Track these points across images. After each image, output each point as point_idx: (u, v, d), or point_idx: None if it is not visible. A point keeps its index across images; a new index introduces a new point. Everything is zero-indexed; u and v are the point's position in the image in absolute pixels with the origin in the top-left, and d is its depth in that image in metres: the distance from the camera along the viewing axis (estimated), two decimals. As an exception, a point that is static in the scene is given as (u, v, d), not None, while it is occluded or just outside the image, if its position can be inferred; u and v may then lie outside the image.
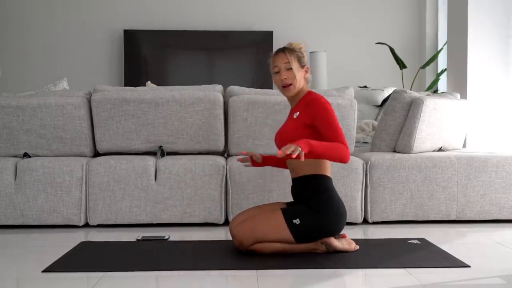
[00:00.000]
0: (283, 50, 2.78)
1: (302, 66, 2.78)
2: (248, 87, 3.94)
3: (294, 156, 2.39)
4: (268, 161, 3.03)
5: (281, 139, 2.78)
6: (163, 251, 2.79)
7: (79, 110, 3.51)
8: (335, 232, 2.70)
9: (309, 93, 2.79)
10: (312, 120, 2.68)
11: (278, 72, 2.77)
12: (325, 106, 2.68)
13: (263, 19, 6.85)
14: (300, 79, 2.75)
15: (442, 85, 6.32)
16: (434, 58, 6.29)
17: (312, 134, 2.68)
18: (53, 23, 6.80)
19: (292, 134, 2.71)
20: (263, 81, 6.72)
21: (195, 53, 6.86)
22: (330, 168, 2.76)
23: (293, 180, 2.79)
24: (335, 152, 2.57)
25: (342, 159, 2.59)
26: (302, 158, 2.43)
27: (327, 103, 2.69)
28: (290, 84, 2.74)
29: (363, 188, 3.48)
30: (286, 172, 3.37)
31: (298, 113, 2.74)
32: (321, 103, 2.68)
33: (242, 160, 3.05)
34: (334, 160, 2.59)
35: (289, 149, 2.40)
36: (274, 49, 6.67)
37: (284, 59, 2.75)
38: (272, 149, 3.58)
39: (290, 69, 2.73)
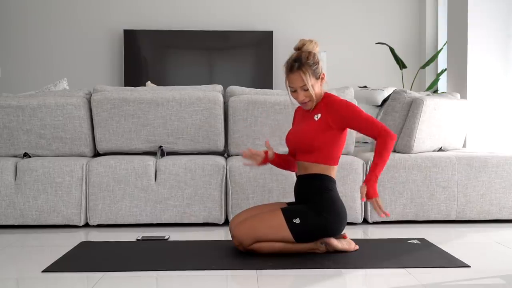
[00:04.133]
0: (298, 68, 2.66)
1: (318, 78, 2.71)
2: (248, 87, 3.94)
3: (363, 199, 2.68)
4: (278, 158, 2.92)
5: (299, 139, 2.75)
6: (163, 251, 2.79)
7: (79, 110, 3.51)
8: (335, 233, 2.70)
9: (327, 95, 2.77)
10: (340, 124, 2.69)
11: (295, 91, 2.72)
12: (347, 105, 2.70)
13: (263, 19, 6.85)
14: (317, 91, 2.72)
15: (442, 85, 6.32)
16: (434, 58, 6.29)
17: (333, 136, 2.71)
18: (53, 23, 6.80)
19: (312, 135, 2.70)
20: (263, 81, 6.72)
21: (195, 53, 6.86)
22: (335, 171, 2.77)
23: (298, 177, 2.80)
24: (386, 156, 2.66)
25: (392, 146, 2.67)
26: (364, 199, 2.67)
27: (348, 102, 2.72)
28: (309, 101, 2.73)
29: (363, 188, 3.47)
30: (286, 172, 3.37)
31: (319, 115, 2.72)
32: (344, 105, 2.70)
33: (246, 155, 2.85)
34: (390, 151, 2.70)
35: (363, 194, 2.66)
36: (274, 49, 6.73)
37: (300, 81, 2.67)
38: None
39: (306, 89, 2.68)
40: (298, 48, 2.74)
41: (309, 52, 2.70)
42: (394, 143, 2.68)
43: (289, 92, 2.76)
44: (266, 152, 2.87)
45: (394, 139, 2.66)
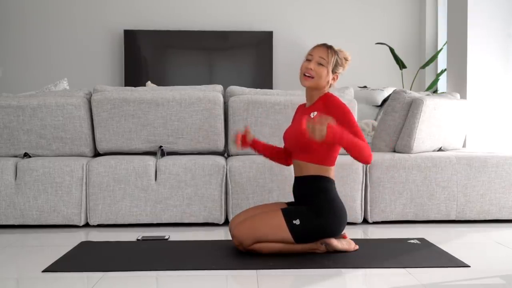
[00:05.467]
0: (328, 47, 2.74)
1: (334, 72, 2.75)
2: (248, 87, 3.94)
3: (307, 135, 2.46)
4: (262, 148, 2.96)
5: (295, 137, 2.75)
6: (163, 251, 2.79)
7: (79, 110, 3.51)
8: (335, 234, 2.70)
9: (327, 95, 2.77)
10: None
11: (308, 61, 2.74)
12: (344, 110, 2.67)
13: (263, 19, 6.85)
14: (324, 79, 2.73)
15: (442, 85, 6.32)
16: (434, 58, 6.29)
17: None
18: (53, 23, 6.80)
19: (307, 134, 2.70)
20: (263, 81, 6.72)
21: (195, 53, 6.86)
22: (334, 171, 2.76)
23: (296, 178, 2.79)
24: (361, 151, 2.56)
25: (364, 159, 2.59)
26: (316, 140, 2.45)
27: (345, 107, 2.69)
28: (312, 77, 2.72)
29: (363, 188, 3.48)
30: (286, 172, 3.37)
31: (315, 113, 2.72)
32: (341, 108, 2.68)
33: (238, 139, 2.89)
34: (356, 158, 2.59)
35: (315, 127, 2.43)
36: (274, 49, 6.73)
37: (323, 54, 2.71)
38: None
39: (322, 65, 2.71)
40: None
41: (344, 53, 2.78)
42: (367, 160, 2.58)
43: (303, 62, 2.75)
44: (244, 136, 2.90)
45: (370, 157, 2.58)
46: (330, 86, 2.79)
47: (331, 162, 2.74)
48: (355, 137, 2.56)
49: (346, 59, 2.78)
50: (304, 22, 6.87)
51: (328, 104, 2.71)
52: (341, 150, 2.78)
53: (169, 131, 3.54)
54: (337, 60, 2.73)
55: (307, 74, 2.71)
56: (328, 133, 2.45)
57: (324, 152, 2.70)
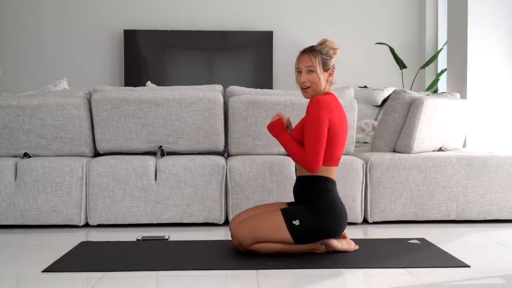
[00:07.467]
0: (308, 52, 2.74)
1: (326, 70, 2.74)
2: (248, 87, 3.93)
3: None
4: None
5: (297, 136, 2.77)
6: (163, 251, 2.79)
7: (79, 110, 3.51)
8: (335, 235, 2.70)
9: (314, 98, 2.73)
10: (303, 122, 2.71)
11: (299, 73, 2.76)
12: (317, 113, 2.64)
13: (263, 19, 6.85)
14: (320, 82, 2.73)
15: (442, 85, 6.32)
16: (434, 58, 6.29)
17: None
18: (53, 23, 6.80)
19: (301, 133, 2.73)
20: (263, 81, 6.72)
21: (195, 53, 6.86)
22: (335, 172, 2.76)
23: (298, 178, 2.79)
24: (294, 157, 2.71)
25: (303, 166, 2.69)
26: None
27: (318, 113, 2.63)
28: (309, 87, 2.74)
29: (363, 188, 3.48)
30: (286, 172, 3.37)
31: None
32: (311, 112, 2.65)
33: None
34: (295, 160, 2.72)
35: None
36: (274, 49, 6.73)
37: (307, 62, 2.72)
38: (272, 149, 3.58)
39: (311, 71, 2.72)
40: (319, 45, 2.78)
41: (326, 45, 2.76)
42: (305, 166, 2.66)
43: (295, 75, 2.78)
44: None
45: (306, 168, 2.66)
46: (330, 83, 2.79)
47: (334, 162, 2.73)
48: (295, 143, 2.70)
49: (332, 48, 2.75)
50: (304, 22, 6.87)
51: (307, 107, 2.72)
52: (343, 150, 2.79)
53: (169, 131, 3.54)
54: (322, 58, 2.72)
55: (303, 87, 2.74)
56: (269, 126, 2.82)
57: (327, 151, 2.70)
